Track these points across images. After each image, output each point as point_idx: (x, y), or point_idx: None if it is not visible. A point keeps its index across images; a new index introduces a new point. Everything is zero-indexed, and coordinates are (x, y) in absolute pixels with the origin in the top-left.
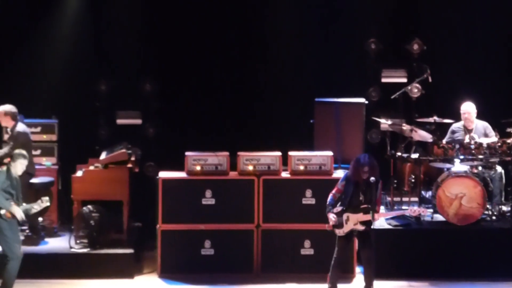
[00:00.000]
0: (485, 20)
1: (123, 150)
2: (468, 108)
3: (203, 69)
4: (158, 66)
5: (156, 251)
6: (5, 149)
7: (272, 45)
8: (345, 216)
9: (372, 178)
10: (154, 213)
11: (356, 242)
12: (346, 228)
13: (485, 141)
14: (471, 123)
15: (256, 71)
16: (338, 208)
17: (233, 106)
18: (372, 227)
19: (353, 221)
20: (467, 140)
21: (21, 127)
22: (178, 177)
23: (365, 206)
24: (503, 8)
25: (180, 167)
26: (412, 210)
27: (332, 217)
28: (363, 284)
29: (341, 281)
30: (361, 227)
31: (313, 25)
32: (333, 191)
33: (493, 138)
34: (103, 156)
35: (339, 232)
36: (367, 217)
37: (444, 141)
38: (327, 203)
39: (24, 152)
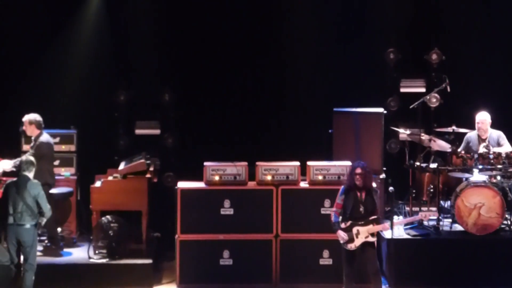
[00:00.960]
0: (503, 30)
1: (142, 160)
2: (482, 117)
3: (222, 79)
4: (177, 76)
5: (174, 261)
6: (24, 157)
7: (291, 55)
8: (354, 230)
9: (391, 188)
10: (173, 223)
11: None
12: (358, 241)
13: (498, 150)
14: (485, 133)
15: (275, 81)
16: (347, 223)
17: (252, 116)
18: (391, 236)
19: (364, 234)
20: (481, 150)
21: (45, 137)
22: (196, 187)
23: (373, 217)
24: None
25: (199, 177)
26: (423, 214)
27: (342, 234)
28: None
29: None
30: (372, 239)
31: (332, 35)
32: (334, 208)
33: (506, 146)
34: (122, 166)
35: (351, 246)
36: (378, 228)
37: (459, 150)
38: (332, 221)
39: (32, 158)
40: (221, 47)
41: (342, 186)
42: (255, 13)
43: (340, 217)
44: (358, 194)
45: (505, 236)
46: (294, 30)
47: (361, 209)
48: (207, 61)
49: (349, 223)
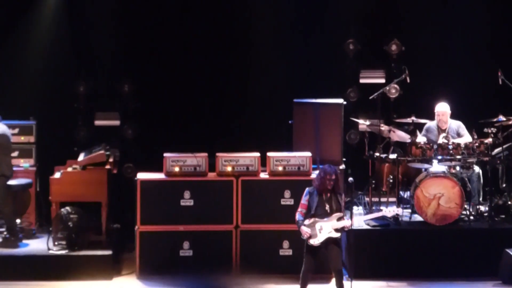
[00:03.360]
0: (463, 22)
1: (101, 152)
2: (442, 108)
3: (182, 70)
4: (137, 67)
5: (134, 253)
6: None
7: (250, 46)
8: (318, 226)
9: (350, 179)
10: (132, 214)
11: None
12: (321, 237)
13: (458, 141)
14: (445, 123)
15: (234, 73)
16: (310, 220)
17: (212, 107)
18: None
19: (328, 230)
20: (440, 140)
21: (1, 128)
22: (156, 178)
23: (336, 214)
24: (481, 10)
25: (159, 168)
26: (387, 210)
27: (305, 230)
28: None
29: (319, 281)
30: (336, 234)
31: (292, 26)
32: (299, 209)
33: (466, 137)
34: (81, 157)
35: (314, 242)
36: (342, 223)
37: (418, 136)
38: (296, 219)
39: None
40: (182, 38)
41: (307, 188)
42: (216, 3)
43: (305, 217)
44: (323, 193)
45: (464, 226)
46: (254, 21)
47: (326, 207)
48: (167, 51)
49: (312, 219)
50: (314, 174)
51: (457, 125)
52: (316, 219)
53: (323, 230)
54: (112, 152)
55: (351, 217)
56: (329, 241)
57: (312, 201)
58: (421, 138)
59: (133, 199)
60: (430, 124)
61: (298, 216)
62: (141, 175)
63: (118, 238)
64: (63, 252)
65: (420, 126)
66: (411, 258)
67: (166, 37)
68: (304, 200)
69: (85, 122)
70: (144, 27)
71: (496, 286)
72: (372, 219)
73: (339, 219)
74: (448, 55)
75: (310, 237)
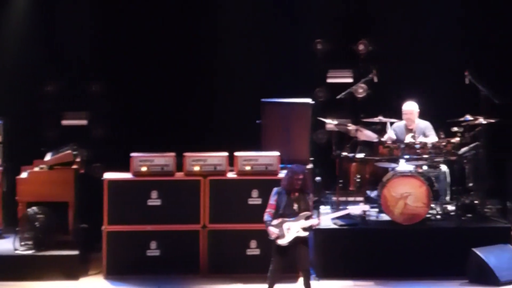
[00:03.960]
0: (430, 21)
1: (69, 151)
2: (409, 107)
3: (150, 70)
4: (105, 67)
5: (101, 253)
6: None
7: (219, 45)
8: (286, 225)
9: (318, 178)
10: (100, 214)
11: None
12: (289, 237)
13: (424, 140)
14: (412, 123)
15: (202, 72)
16: (278, 220)
17: (180, 107)
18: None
19: (296, 229)
20: (407, 139)
21: None
22: (124, 178)
23: (303, 213)
24: (448, 10)
25: (127, 168)
26: (354, 208)
27: (273, 229)
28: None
29: (287, 281)
30: (303, 234)
31: (260, 25)
32: (267, 210)
33: (431, 138)
34: (48, 157)
35: (282, 242)
36: (310, 222)
37: (386, 134)
38: (264, 220)
39: None
40: (150, 38)
41: (275, 188)
42: (184, 3)
43: (273, 217)
44: (292, 193)
45: (431, 226)
46: (222, 20)
47: (295, 207)
48: (136, 51)
49: (280, 219)
50: (282, 174)
51: (424, 125)
52: (284, 219)
53: (291, 230)
54: (80, 152)
55: (318, 216)
56: (297, 240)
57: (281, 200)
58: (390, 132)
59: (101, 199)
60: (397, 124)
61: (266, 217)
62: (109, 175)
63: (85, 238)
64: (30, 252)
65: (387, 126)
66: (379, 258)
67: (134, 37)
68: (272, 200)
69: (53, 122)
70: (113, 27)
71: (463, 285)
72: (339, 218)
73: (307, 218)
74: (415, 55)
75: (278, 237)
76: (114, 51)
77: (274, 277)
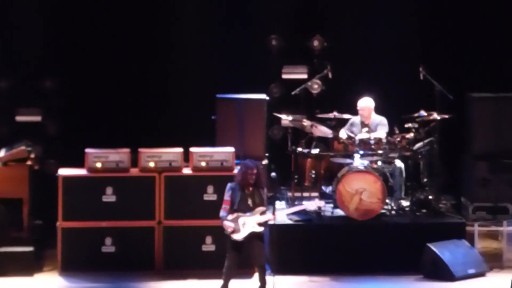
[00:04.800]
0: (385, 18)
1: (23, 148)
2: (364, 103)
3: (104, 66)
4: (59, 63)
5: (56, 249)
6: None
7: (174, 41)
8: (241, 221)
9: (273, 174)
10: (54, 210)
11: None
12: (244, 232)
13: (375, 135)
14: (368, 118)
15: (158, 68)
16: (233, 215)
17: (134, 102)
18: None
19: (251, 224)
20: (361, 135)
21: None
22: (78, 174)
23: (259, 208)
24: (402, 6)
25: (82, 165)
26: (309, 203)
27: (228, 224)
28: (258, 284)
29: (243, 277)
30: (259, 229)
31: (215, 21)
32: (223, 206)
33: (378, 132)
34: (2, 153)
35: (238, 237)
36: (265, 217)
37: (342, 130)
38: (220, 216)
39: None
40: (104, 33)
41: (229, 183)
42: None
43: (229, 213)
44: (246, 188)
45: (386, 221)
46: (177, 16)
47: (249, 202)
48: (90, 47)
49: (235, 214)
50: (237, 170)
51: (379, 119)
52: (239, 214)
53: (246, 225)
54: (34, 148)
55: (273, 212)
56: (252, 236)
57: (235, 196)
58: (343, 133)
59: (55, 195)
60: (353, 119)
61: (222, 213)
62: (63, 171)
63: (39, 235)
64: None
65: (342, 121)
66: (334, 253)
67: (88, 33)
68: (227, 196)
69: (6, 118)
70: (67, 23)
71: (418, 280)
72: (294, 214)
73: (262, 213)
74: (370, 50)
75: (233, 232)
76: (68, 47)
77: (229, 272)
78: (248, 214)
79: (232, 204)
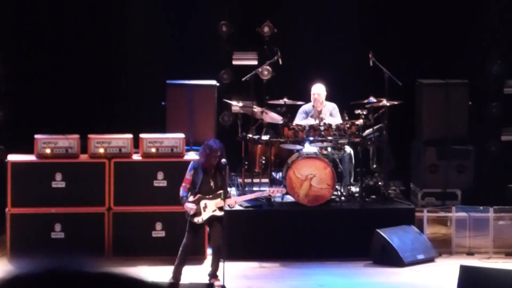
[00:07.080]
0: (336, 3)
1: None
2: (317, 89)
3: (53, 50)
4: (6, 47)
5: (5, 235)
6: None
7: (124, 27)
8: (202, 203)
9: (224, 160)
10: (3, 196)
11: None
12: (205, 215)
13: (330, 121)
14: (321, 105)
15: (107, 53)
16: (195, 197)
17: (84, 88)
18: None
19: (212, 208)
20: (316, 121)
21: None
22: (27, 160)
23: (221, 192)
24: None
25: (31, 151)
26: (271, 190)
27: (190, 206)
28: (210, 268)
29: (193, 263)
30: (219, 213)
31: (164, 7)
32: (183, 184)
33: (337, 119)
34: None
35: (198, 220)
36: (226, 202)
37: (296, 121)
38: (180, 195)
39: None
40: (53, 18)
41: (192, 162)
42: None
43: (189, 192)
44: (208, 170)
45: (335, 207)
46: (127, 1)
47: (211, 184)
48: (38, 32)
49: (197, 196)
50: (187, 156)
51: (332, 106)
52: (201, 196)
53: (208, 208)
54: None
55: (224, 200)
56: (212, 218)
57: (197, 177)
58: (298, 122)
59: (4, 181)
60: (305, 106)
61: (182, 192)
62: (12, 157)
63: None
64: None
65: (292, 108)
66: (284, 239)
67: (36, 17)
68: (188, 175)
69: None
70: (14, 7)
71: (367, 266)
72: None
73: (223, 197)
74: (320, 37)
75: (195, 214)
76: (15, 31)
77: (185, 250)
78: (209, 196)
79: (194, 185)
